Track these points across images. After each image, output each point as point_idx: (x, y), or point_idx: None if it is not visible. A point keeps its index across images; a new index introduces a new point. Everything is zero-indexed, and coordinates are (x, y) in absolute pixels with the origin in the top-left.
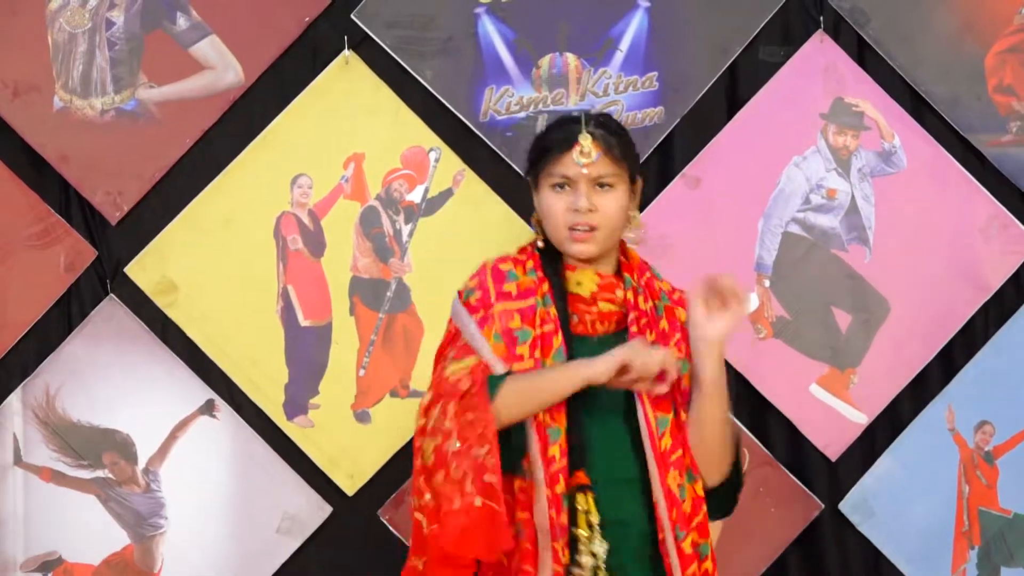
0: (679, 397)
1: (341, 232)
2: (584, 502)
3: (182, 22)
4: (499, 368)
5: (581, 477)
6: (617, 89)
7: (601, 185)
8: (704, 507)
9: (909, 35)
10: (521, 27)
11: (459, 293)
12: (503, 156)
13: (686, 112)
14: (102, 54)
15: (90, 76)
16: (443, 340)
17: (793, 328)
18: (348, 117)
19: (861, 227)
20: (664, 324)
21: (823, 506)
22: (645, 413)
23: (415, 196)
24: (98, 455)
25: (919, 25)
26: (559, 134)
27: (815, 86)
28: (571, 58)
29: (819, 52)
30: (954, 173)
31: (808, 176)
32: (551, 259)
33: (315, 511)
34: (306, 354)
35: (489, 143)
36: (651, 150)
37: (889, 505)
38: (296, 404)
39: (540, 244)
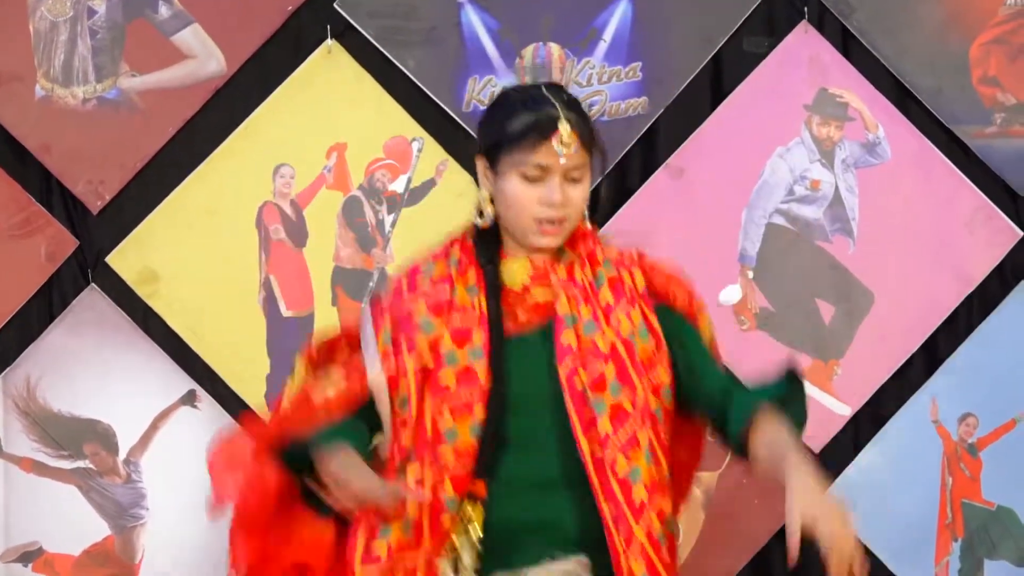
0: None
1: (323, 222)
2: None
3: (164, 11)
4: (375, 378)
5: (479, 487)
6: (601, 79)
7: (572, 178)
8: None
9: (894, 26)
10: (504, 17)
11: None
12: None
13: (670, 103)
14: (84, 43)
15: (72, 65)
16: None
17: (777, 320)
18: (331, 107)
19: (845, 218)
20: (606, 295)
21: None
22: (573, 401)
23: (398, 186)
24: (79, 445)
25: (904, 16)
26: (529, 119)
27: (799, 77)
28: (555, 48)
29: (803, 43)
30: (938, 164)
31: (792, 167)
32: (487, 245)
33: None
34: (288, 345)
35: (472, 133)
36: (634, 140)
37: (872, 497)
38: (278, 395)
39: (482, 223)
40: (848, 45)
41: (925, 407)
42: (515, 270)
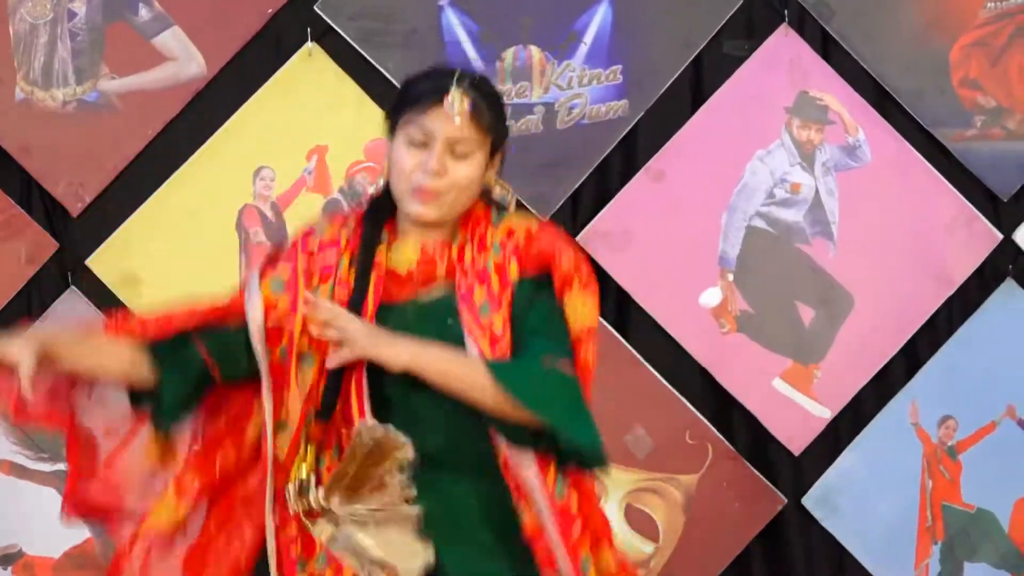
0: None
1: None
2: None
3: (144, 13)
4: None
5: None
6: (581, 82)
7: (457, 153)
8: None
9: (874, 29)
10: (485, 20)
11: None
12: None
13: (650, 105)
14: (64, 45)
15: (52, 67)
16: None
17: (757, 323)
18: (311, 109)
19: (825, 221)
20: (495, 283)
21: (786, 501)
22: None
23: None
24: (58, 448)
25: (884, 19)
26: (429, 85)
27: (779, 80)
28: (535, 51)
29: (783, 46)
30: (918, 167)
31: (772, 170)
32: (376, 218)
33: None
34: None
35: None
36: (614, 144)
37: (852, 500)
38: None
39: (376, 191)
40: (828, 48)
41: (905, 410)
42: (404, 252)
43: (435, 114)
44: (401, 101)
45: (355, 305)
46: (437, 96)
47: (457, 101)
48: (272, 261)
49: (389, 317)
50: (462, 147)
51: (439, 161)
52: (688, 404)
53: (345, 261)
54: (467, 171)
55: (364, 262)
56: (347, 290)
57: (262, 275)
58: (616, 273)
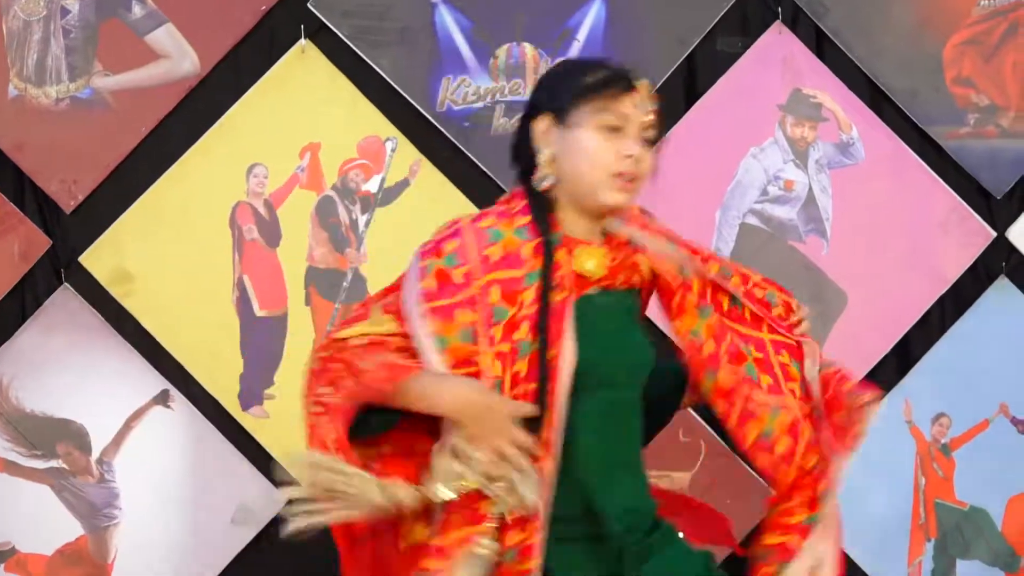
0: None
1: (297, 222)
2: None
3: (137, 10)
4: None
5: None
6: None
7: (646, 140)
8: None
9: (868, 27)
10: (478, 17)
11: (423, 254)
12: (460, 146)
13: None
14: (57, 42)
15: (45, 64)
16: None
17: None
18: (304, 106)
19: (819, 219)
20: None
21: None
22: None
23: (371, 186)
24: (52, 445)
25: (878, 17)
26: (612, 72)
27: (773, 77)
28: (528, 48)
29: (777, 43)
30: (912, 165)
31: (766, 167)
32: (542, 217)
33: (269, 502)
34: (262, 344)
35: (446, 133)
36: None
37: (845, 497)
38: (251, 395)
39: (545, 185)
40: (822, 46)
41: (898, 407)
42: (593, 260)
43: (630, 99)
44: (579, 89)
45: (540, 322)
46: (627, 84)
47: (648, 90)
48: (448, 306)
49: (595, 309)
50: (651, 135)
51: (642, 147)
52: None
53: (537, 277)
54: (652, 160)
55: (546, 277)
56: (532, 322)
57: (439, 329)
58: None
